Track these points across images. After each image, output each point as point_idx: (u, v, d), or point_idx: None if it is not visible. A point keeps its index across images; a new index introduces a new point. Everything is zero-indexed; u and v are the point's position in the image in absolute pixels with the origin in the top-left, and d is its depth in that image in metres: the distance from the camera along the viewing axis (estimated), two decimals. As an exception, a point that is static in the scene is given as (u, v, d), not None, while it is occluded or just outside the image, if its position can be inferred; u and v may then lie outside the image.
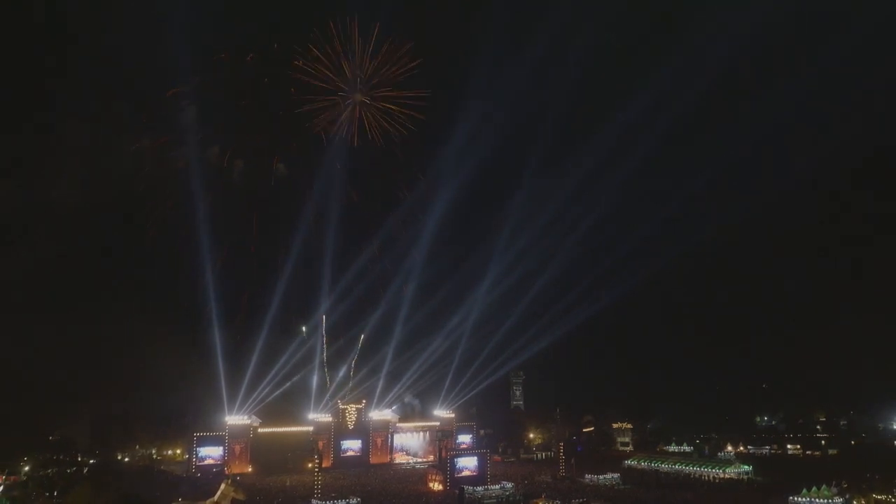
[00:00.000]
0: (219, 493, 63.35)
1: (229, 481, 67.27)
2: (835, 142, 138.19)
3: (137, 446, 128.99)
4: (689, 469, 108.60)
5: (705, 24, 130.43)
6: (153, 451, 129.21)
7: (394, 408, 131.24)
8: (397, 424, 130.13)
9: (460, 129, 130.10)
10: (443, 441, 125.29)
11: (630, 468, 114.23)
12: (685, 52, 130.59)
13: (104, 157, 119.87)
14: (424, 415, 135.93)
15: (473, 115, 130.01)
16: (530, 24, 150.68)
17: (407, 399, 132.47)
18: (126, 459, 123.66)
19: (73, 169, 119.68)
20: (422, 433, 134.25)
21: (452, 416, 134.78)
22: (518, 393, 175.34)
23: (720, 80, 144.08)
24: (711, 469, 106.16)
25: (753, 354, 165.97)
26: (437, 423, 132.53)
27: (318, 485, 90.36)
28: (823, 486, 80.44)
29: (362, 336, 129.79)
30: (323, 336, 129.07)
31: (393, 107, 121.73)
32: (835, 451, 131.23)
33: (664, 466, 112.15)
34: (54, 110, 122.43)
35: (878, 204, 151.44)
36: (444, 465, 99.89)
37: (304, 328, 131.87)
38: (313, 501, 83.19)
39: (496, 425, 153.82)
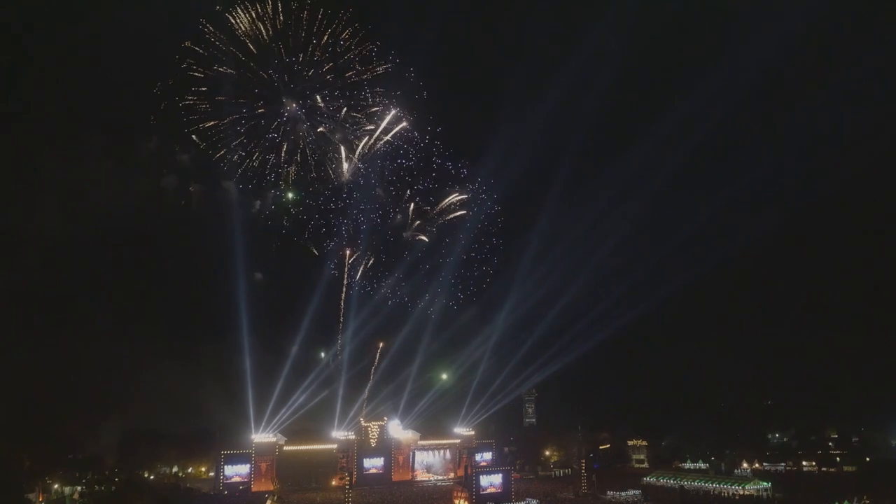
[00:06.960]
0: (265, 507, 65.88)
1: (275, 497, 69.91)
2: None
3: (159, 464, 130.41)
4: (709, 486, 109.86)
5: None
6: (177, 469, 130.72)
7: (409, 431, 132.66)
8: (419, 442, 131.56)
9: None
10: (464, 458, 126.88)
11: (650, 484, 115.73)
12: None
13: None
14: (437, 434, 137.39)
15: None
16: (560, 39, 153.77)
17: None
18: (151, 477, 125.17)
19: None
20: (442, 451, 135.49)
21: (472, 433, 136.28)
22: (531, 410, 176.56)
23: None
24: (731, 486, 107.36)
25: (762, 371, 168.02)
26: (458, 441, 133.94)
27: (348, 501, 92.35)
28: (846, 503, 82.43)
29: (377, 356, 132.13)
30: (341, 356, 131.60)
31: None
32: (851, 468, 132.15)
33: (685, 483, 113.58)
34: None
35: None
36: (469, 482, 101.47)
37: (322, 354, 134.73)
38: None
39: (513, 442, 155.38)
